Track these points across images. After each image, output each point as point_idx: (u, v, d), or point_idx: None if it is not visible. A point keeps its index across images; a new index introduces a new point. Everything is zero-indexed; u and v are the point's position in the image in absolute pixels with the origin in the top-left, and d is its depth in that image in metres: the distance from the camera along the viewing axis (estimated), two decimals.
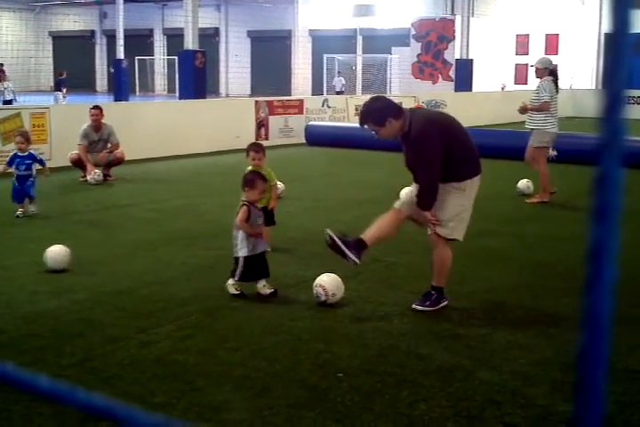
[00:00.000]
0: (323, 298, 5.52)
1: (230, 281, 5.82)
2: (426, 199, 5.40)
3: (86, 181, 11.60)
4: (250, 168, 6.85)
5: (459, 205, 5.42)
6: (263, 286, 5.81)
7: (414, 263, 6.83)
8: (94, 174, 11.42)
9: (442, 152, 5.29)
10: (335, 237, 5.44)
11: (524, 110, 10.27)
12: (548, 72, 10.29)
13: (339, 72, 37.16)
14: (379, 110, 5.38)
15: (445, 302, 5.54)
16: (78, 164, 11.67)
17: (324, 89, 37.00)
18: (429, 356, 4.60)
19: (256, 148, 7.22)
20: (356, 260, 5.40)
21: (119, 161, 11.85)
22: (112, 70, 29.54)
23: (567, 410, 3.87)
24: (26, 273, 6.45)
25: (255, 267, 5.79)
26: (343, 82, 35.66)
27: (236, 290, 5.78)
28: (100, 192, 10.85)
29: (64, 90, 27.83)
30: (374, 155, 15.17)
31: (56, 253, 6.50)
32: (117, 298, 5.73)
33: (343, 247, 5.41)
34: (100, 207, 9.65)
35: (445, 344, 4.81)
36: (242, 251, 5.79)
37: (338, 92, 32.79)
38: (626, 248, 6.18)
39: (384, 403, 3.95)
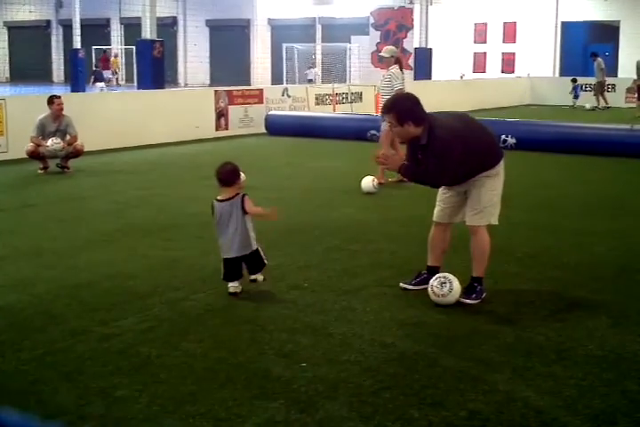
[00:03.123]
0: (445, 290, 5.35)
1: (260, 276, 5.68)
2: (415, 179, 5.56)
3: (45, 172, 11.45)
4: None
5: (491, 191, 5.46)
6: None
7: (377, 252, 6.85)
8: (52, 142, 11.24)
9: (462, 160, 5.25)
10: (467, 300, 5.43)
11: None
12: (395, 60, 10.74)
13: (312, 64, 37.20)
14: (406, 110, 5.29)
15: (484, 294, 5.53)
16: (35, 156, 11.50)
17: (284, 78, 36.86)
18: (393, 344, 4.61)
19: None
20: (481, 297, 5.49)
21: (78, 153, 11.69)
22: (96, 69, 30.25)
23: (529, 395, 3.91)
24: None
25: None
26: (318, 73, 36.01)
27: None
28: (58, 184, 10.72)
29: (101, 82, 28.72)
30: (335, 144, 15.18)
31: None
32: (78, 291, 5.67)
33: (472, 301, 5.44)
34: (59, 199, 9.53)
35: (409, 332, 4.83)
36: (254, 241, 5.65)
37: (309, 80, 33.39)
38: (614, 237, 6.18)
39: (348, 392, 3.95)
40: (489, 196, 5.48)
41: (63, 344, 4.61)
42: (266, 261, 5.69)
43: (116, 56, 43.40)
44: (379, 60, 10.92)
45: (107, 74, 38.61)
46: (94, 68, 31.38)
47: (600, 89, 25.52)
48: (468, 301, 5.43)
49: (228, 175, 5.64)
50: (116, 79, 40.98)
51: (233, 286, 5.58)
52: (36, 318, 5.06)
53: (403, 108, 5.33)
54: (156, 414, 3.71)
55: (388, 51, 10.94)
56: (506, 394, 3.94)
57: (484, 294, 5.52)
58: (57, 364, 4.31)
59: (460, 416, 3.70)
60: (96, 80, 30.71)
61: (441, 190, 5.72)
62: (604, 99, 25.44)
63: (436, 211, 5.77)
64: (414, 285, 5.70)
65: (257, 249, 5.64)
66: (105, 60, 39.04)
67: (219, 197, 5.65)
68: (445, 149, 5.21)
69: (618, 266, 6.45)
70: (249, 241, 5.59)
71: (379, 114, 18.46)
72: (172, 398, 3.87)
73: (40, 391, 3.95)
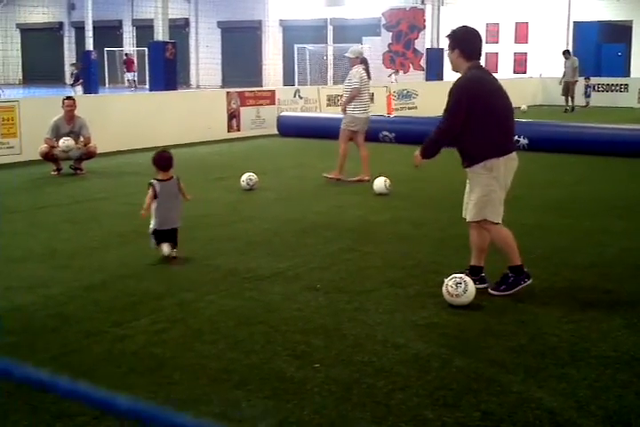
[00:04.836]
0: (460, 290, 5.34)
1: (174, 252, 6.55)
2: (433, 147, 5.61)
3: (58, 174, 11.50)
4: None
5: (485, 186, 5.47)
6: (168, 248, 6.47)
7: (390, 253, 6.85)
8: (63, 140, 11.28)
9: (467, 111, 5.40)
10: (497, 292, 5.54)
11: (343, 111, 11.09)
12: (360, 60, 10.95)
13: (395, 71, 36.13)
14: (462, 39, 5.60)
15: (529, 282, 5.59)
16: (49, 157, 11.55)
17: (296, 79, 36.87)
18: (405, 345, 4.62)
19: None
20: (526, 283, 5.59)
21: (91, 155, 11.74)
22: (74, 72, 29.80)
23: (542, 397, 3.91)
24: None
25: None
26: (395, 77, 35.36)
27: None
28: (72, 186, 10.76)
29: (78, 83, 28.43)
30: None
31: None
32: (91, 292, 5.70)
33: (498, 292, 5.54)
34: (73, 201, 9.57)
35: (421, 333, 4.83)
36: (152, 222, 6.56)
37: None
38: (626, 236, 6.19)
39: (361, 393, 3.96)
40: (483, 190, 5.48)
41: (77, 345, 4.63)
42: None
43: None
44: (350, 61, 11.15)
45: (130, 76, 39.38)
46: (74, 70, 30.57)
47: (572, 89, 24.99)
48: (494, 292, 5.49)
49: (167, 162, 6.71)
50: (134, 81, 41.39)
51: (166, 248, 6.42)
52: (51, 320, 5.09)
53: (460, 35, 5.61)
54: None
55: (352, 51, 11.20)
56: (519, 395, 3.94)
57: (526, 283, 5.56)
58: (71, 365, 4.34)
59: (474, 417, 3.71)
60: (77, 82, 29.26)
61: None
62: (572, 99, 24.96)
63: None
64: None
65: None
66: (130, 62, 39.51)
67: (158, 177, 6.66)
68: (461, 86, 5.49)
69: (631, 266, 6.43)
70: (180, 216, 6.68)
71: (390, 115, 18.52)
72: (186, 399, 3.89)
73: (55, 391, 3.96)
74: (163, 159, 6.69)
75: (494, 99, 5.54)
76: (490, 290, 5.56)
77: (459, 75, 5.64)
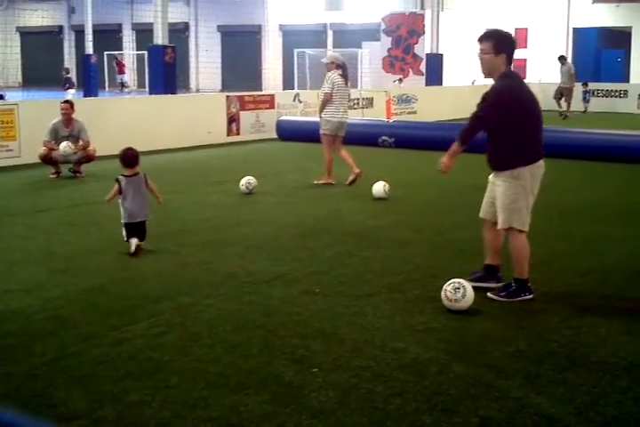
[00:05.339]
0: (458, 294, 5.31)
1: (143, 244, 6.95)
2: (469, 132, 5.57)
3: (57, 177, 11.49)
4: None
5: (513, 193, 5.51)
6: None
7: (389, 257, 6.84)
8: (66, 145, 11.25)
9: (500, 116, 5.45)
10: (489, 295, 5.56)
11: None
12: (336, 66, 11.11)
13: (400, 79, 34.87)
14: (508, 43, 5.56)
15: (529, 297, 5.57)
16: (48, 160, 11.55)
17: (295, 84, 36.90)
18: (404, 350, 4.61)
19: None
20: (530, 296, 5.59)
21: (90, 158, 11.73)
22: (65, 76, 29.81)
23: (541, 402, 3.90)
24: None
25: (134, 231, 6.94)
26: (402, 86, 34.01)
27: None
28: (71, 189, 10.75)
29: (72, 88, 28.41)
30: (346, 149, 15.13)
31: None
32: (90, 296, 5.69)
33: (497, 297, 5.57)
34: (72, 204, 9.56)
35: (420, 338, 4.82)
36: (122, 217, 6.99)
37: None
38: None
39: (359, 398, 3.95)
40: (508, 198, 5.52)
41: (75, 349, 4.62)
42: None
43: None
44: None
45: (123, 78, 39.54)
46: (66, 75, 30.57)
47: (569, 95, 25.00)
48: (494, 296, 5.54)
49: (132, 159, 7.13)
50: (122, 85, 41.53)
51: (135, 243, 6.79)
52: (48, 323, 5.07)
53: (508, 40, 5.59)
54: (168, 419, 3.72)
55: (328, 57, 11.43)
56: (517, 401, 3.93)
57: (527, 297, 5.56)
58: (69, 368, 4.32)
59: (472, 423, 3.69)
60: (68, 87, 29.46)
61: (490, 178, 5.79)
62: (568, 106, 24.98)
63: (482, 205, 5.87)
64: (470, 280, 5.70)
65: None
66: (121, 64, 39.59)
67: (125, 173, 7.06)
68: (499, 91, 5.49)
69: (631, 272, 6.42)
70: (148, 210, 7.09)
71: (390, 120, 18.53)
72: (184, 403, 3.88)
73: (52, 396, 3.96)
74: (129, 156, 7.13)
75: (531, 107, 5.60)
76: (489, 293, 5.57)
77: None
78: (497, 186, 5.61)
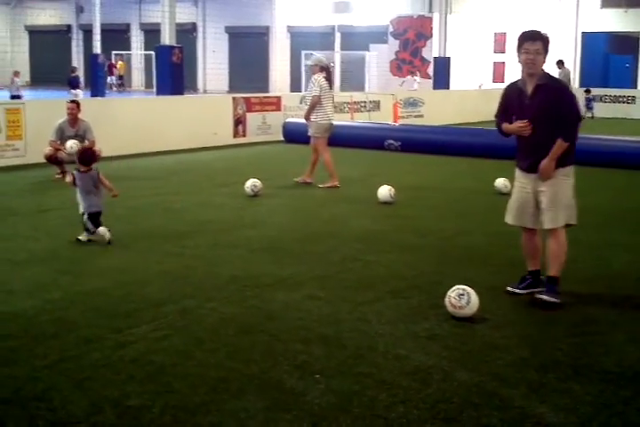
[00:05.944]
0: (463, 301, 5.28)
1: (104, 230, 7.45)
2: (577, 133, 5.67)
3: (62, 177, 11.47)
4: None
5: (568, 190, 5.67)
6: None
7: (393, 262, 6.81)
8: (72, 143, 11.21)
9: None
10: (545, 298, 5.58)
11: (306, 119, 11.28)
12: (319, 68, 11.13)
13: (412, 72, 34.07)
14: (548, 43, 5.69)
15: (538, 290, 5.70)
16: (53, 160, 11.54)
17: (302, 86, 36.91)
18: (407, 357, 4.58)
19: None
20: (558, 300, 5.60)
21: (95, 159, 11.70)
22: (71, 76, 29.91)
23: (544, 412, 3.87)
24: (0, 272, 6.38)
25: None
26: (418, 81, 32.42)
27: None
28: (75, 189, 10.71)
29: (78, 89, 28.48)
30: (352, 153, 15.15)
31: None
32: (92, 298, 5.67)
33: (552, 299, 5.57)
34: (76, 204, 9.51)
35: (423, 345, 4.79)
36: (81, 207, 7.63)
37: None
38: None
39: (361, 405, 3.92)
40: (566, 196, 5.63)
41: (76, 351, 4.60)
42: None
43: (121, 61, 44.04)
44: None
45: (113, 79, 39.97)
46: (72, 75, 30.54)
47: None
48: (551, 298, 5.54)
49: (89, 158, 7.87)
50: (119, 84, 41.74)
51: (106, 231, 7.37)
52: (50, 325, 5.06)
53: (548, 40, 5.68)
54: (168, 425, 3.69)
55: (312, 59, 11.47)
56: (521, 410, 3.90)
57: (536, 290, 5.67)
58: (70, 371, 4.30)
59: None
60: (72, 87, 29.20)
61: (517, 183, 5.81)
62: None
63: (511, 212, 5.85)
64: (522, 289, 5.80)
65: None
66: (110, 65, 39.72)
67: (81, 169, 7.73)
68: (563, 91, 5.67)
69: (636, 280, 6.39)
70: (101, 202, 7.75)
71: (396, 123, 18.50)
72: (185, 408, 3.85)
73: (52, 399, 3.94)
74: (86, 156, 7.93)
75: None
76: (543, 296, 5.59)
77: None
78: (546, 187, 5.58)
